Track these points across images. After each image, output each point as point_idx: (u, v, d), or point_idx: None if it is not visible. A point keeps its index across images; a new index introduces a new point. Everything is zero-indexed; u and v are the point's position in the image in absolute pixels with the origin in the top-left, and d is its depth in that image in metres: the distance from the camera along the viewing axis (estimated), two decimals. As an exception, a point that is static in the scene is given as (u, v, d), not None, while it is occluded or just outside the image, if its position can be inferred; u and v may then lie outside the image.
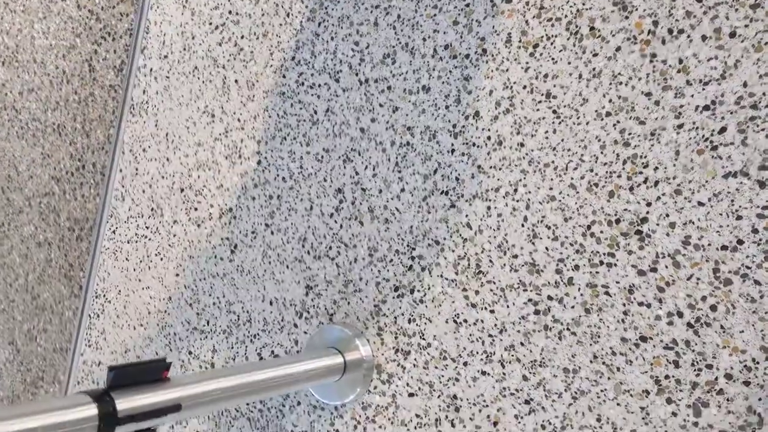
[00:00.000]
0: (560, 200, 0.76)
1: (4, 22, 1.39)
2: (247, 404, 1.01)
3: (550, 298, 0.76)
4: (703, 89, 0.68)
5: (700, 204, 0.68)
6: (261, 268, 1.00)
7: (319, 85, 0.96)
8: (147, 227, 1.15)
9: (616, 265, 0.72)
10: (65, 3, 1.28)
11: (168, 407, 0.59)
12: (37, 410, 0.52)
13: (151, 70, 1.16)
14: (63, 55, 1.28)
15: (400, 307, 0.87)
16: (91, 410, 0.54)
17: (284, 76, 0.99)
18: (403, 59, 0.89)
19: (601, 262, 0.73)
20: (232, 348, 1.02)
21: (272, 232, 1.00)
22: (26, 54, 1.35)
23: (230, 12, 1.05)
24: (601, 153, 0.74)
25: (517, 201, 0.79)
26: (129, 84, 1.18)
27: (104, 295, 1.21)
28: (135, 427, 0.56)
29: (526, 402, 0.76)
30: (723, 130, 0.67)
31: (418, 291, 0.85)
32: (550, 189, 0.77)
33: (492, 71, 0.82)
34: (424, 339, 0.84)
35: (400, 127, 0.89)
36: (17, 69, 1.36)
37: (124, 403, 0.56)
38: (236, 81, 1.04)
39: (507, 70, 0.81)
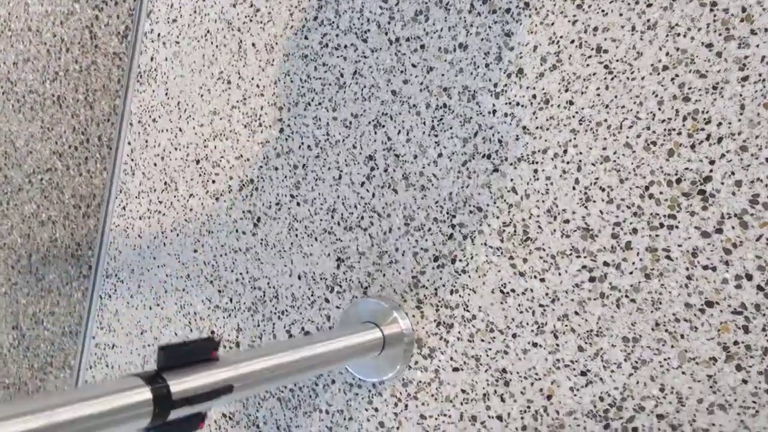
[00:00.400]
0: (615, 161, 0.73)
1: (-7, -11, 1.34)
2: (277, 384, 0.99)
3: (606, 264, 0.74)
4: (776, 37, 0.66)
5: (773, 160, 0.66)
6: (287, 241, 0.98)
7: (345, 47, 0.93)
8: (160, 202, 1.12)
9: (677, 227, 0.70)
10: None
11: (221, 388, 0.57)
12: (88, 395, 0.49)
13: (158, 35, 1.12)
14: (61, 22, 1.24)
15: (441, 278, 0.84)
16: (145, 394, 0.51)
17: (306, 38, 0.96)
18: (437, 16, 0.86)
19: (662, 225, 0.71)
20: (258, 326, 1.00)
21: (298, 204, 0.97)
22: (20, 22, 1.30)
23: (244, -30, 1.01)
24: (659, 109, 0.71)
25: (568, 163, 0.76)
26: (135, 51, 1.14)
27: (116, 275, 1.18)
28: (189, 411, 0.54)
29: (582, 373, 0.75)
30: (798, 80, 0.65)
31: (460, 261, 0.83)
32: (604, 149, 0.74)
33: (536, 26, 0.79)
34: (468, 311, 0.82)
35: (435, 88, 0.86)
36: (10, 38, 1.31)
37: (177, 385, 0.54)
38: (253, 44, 1.01)
39: (552, 24, 0.78)
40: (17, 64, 1.31)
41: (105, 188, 1.18)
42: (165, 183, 1.11)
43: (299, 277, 0.97)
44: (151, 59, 1.13)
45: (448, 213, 0.85)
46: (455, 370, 0.83)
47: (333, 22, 0.94)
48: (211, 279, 1.06)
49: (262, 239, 1.01)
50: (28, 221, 1.30)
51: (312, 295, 0.96)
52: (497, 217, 0.81)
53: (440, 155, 0.85)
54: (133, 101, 1.15)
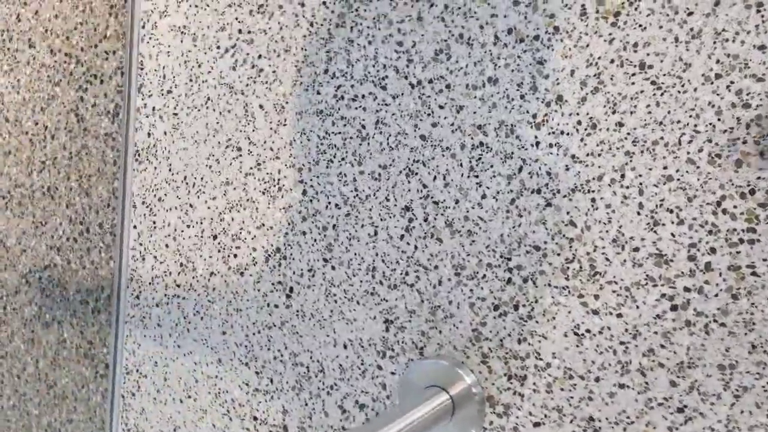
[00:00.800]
0: (679, 179, 0.72)
1: (-38, 83, 1.30)
2: (335, 465, 0.95)
3: (687, 289, 0.72)
4: (838, 31, 0.66)
5: None
6: (326, 309, 0.95)
7: (363, 96, 0.91)
8: (178, 285, 1.08)
9: (759, 240, 0.68)
10: (34, 50, 1.21)
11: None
12: None
13: (153, 109, 1.09)
14: (41, 108, 1.21)
15: (505, 328, 0.82)
16: None
17: (319, 93, 0.94)
18: (459, 53, 0.85)
19: (741, 240, 0.69)
20: (306, 405, 0.96)
21: (333, 267, 0.94)
22: (-4, 114, 1.27)
23: (240, 31, 1.00)
24: (718, 120, 0.70)
25: (627, 187, 0.75)
26: (129, 129, 1.11)
27: (137, 370, 1.13)
28: None
29: (679, 410, 0.72)
30: None
31: (524, 306, 0.81)
32: (665, 168, 0.73)
33: (570, 49, 0.78)
34: (541, 359, 0.79)
35: (468, 127, 0.84)
36: (-13, 132, 1.28)
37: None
38: (261, 106, 0.99)
39: (587, 45, 0.77)
40: (-2, 158, 1.27)
41: (114, 278, 1.14)
42: (181, 264, 1.08)
43: (345, 346, 0.93)
44: (149, 135, 1.10)
45: (502, 256, 0.82)
46: (536, 425, 0.80)
47: (346, 72, 0.93)
48: (246, 361, 1.02)
49: (297, 310, 0.97)
50: (30, 325, 1.24)
51: (362, 364, 0.92)
52: (558, 254, 0.79)
53: (484, 196, 0.83)
54: (134, 182, 1.12)
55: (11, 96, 1.25)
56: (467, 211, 0.85)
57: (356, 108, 0.92)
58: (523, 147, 0.82)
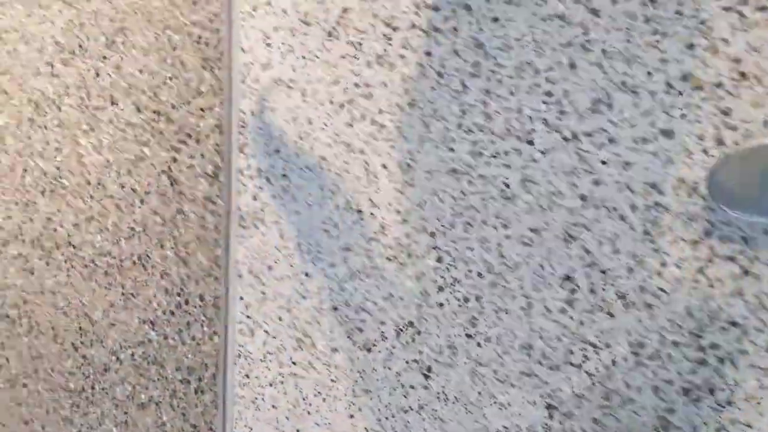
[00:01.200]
0: None
1: (34, 143, 1.27)
2: None
3: None
4: None
5: None
6: (473, 391, 0.88)
7: (506, 152, 0.85)
8: (294, 363, 1.02)
9: None
10: (117, 108, 1.17)
11: None
12: None
13: (259, 170, 1.04)
14: (128, 170, 1.17)
15: (699, 415, 0.74)
16: None
17: (452, 150, 0.88)
18: (622, 102, 0.78)
19: None
20: (453, 498, 0.89)
21: (479, 344, 0.88)
22: (74, 177, 1.23)
23: (356, 85, 0.95)
24: None
25: None
26: (231, 192, 1.06)
27: (249, 456, 1.07)
28: None
29: None
30: None
31: (722, 390, 0.73)
32: None
33: (762, 96, 0.72)
34: (747, 451, 0.72)
35: (638, 185, 0.78)
36: (64, 196, 1.24)
37: None
38: (384, 165, 0.93)
39: (785, 92, 0.70)
40: (79, 225, 1.23)
41: (219, 355, 1.09)
42: (297, 339, 1.02)
43: (498, 433, 0.87)
44: (254, 198, 1.05)
45: (691, 333, 0.75)
46: None
47: (485, 127, 0.87)
48: (379, 448, 0.95)
49: (438, 393, 0.91)
50: (122, 406, 1.19)
51: (521, 453, 0.85)
52: (762, 331, 0.72)
53: (664, 264, 0.77)
54: (239, 249, 1.06)
55: (92, 157, 1.21)
56: (643, 281, 0.78)
57: (498, 165, 0.86)
58: (709, 208, 0.75)
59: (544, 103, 0.83)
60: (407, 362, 0.94)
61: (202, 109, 1.09)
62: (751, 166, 0.68)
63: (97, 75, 1.19)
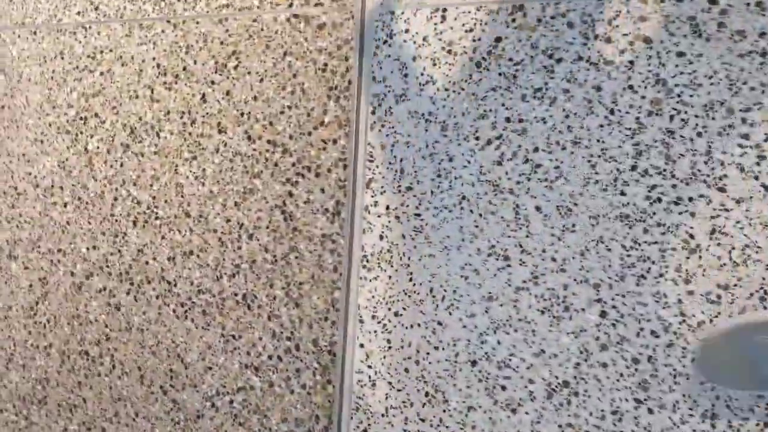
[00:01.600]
0: None
1: (127, 170, 1.20)
2: None
3: None
4: None
5: None
6: (644, 463, 0.79)
7: (691, 199, 0.78)
8: (423, 419, 0.94)
9: None
10: (225, 136, 1.11)
11: None
12: None
13: (387, 207, 0.97)
14: (235, 203, 1.10)
15: None
16: None
17: (623, 193, 0.81)
18: (836, 149, 0.71)
19: None
20: None
21: (651, 411, 0.79)
22: (171, 207, 1.16)
23: (508, 119, 0.88)
24: None
25: None
26: (354, 230, 0.99)
27: None
28: None
29: None
30: None
31: None
32: None
33: None
34: None
35: None
36: (159, 228, 1.17)
37: None
38: (538, 208, 0.86)
39: None
40: (174, 258, 1.16)
41: (333, 407, 1.01)
42: (427, 394, 0.94)
43: None
44: (381, 238, 0.98)
45: None
46: None
47: (664, 170, 0.79)
48: None
49: (600, 462, 0.82)
50: (217, 456, 1.11)
51: None
52: None
53: None
54: (361, 292, 0.99)
55: (194, 188, 1.15)
56: None
57: (680, 213, 0.79)
58: None
59: (740, 146, 0.76)
60: (560, 426, 0.85)
61: (324, 141, 1.03)
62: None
63: (204, 101, 1.14)
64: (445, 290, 0.93)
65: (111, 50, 1.24)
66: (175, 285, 1.16)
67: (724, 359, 0.71)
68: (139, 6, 1.21)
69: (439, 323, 0.94)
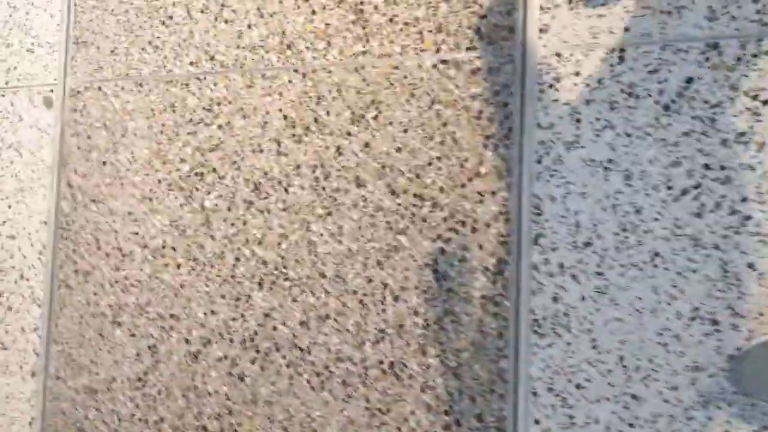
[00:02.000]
0: None
1: (251, 228, 1.15)
2: None
3: None
4: None
5: None
6: None
7: None
8: (619, 508, 0.84)
9: None
10: (365, 190, 1.04)
11: None
12: None
13: (561, 266, 0.89)
14: (377, 261, 1.03)
15: None
16: None
17: None
18: None
19: None
20: None
21: None
22: (303, 268, 1.09)
23: (707, 166, 0.80)
24: None
25: None
26: (521, 291, 0.91)
27: None
28: None
29: None
30: None
31: None
32: None
33: None
34: None
35: None
36: (289, 289, 1.10)
37: None
38: (751, 265, 0.77)
39: None
40: (307, 323, 1.09)
41: (505, 491, 0.91)
42: (622, 478, 0.84)
43: None
44: (554, 300, 0.89)
45: None
46: None
47: None
48: None
49: None
50: None
51: None
52: None
53: None
54: (533, 361, 0.90)
55: (329, 246, 1.08)
56: None
57: None
58: None
59: None
60: None
61: (480, 194, 0.96)
62: None
63: (339, 153, 1.08)
64: (638, 359, 0.84)
65: (230, 102, 1.19)
66: (309, 352, 1.09)
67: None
68: (261, 55, 1.17)
69: (634, 397, 0.85)
